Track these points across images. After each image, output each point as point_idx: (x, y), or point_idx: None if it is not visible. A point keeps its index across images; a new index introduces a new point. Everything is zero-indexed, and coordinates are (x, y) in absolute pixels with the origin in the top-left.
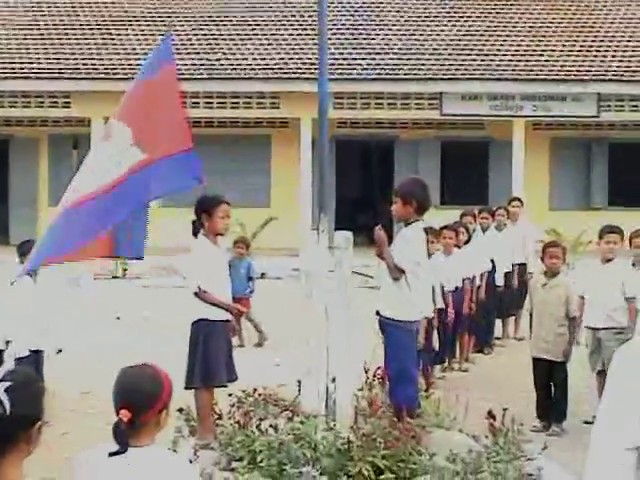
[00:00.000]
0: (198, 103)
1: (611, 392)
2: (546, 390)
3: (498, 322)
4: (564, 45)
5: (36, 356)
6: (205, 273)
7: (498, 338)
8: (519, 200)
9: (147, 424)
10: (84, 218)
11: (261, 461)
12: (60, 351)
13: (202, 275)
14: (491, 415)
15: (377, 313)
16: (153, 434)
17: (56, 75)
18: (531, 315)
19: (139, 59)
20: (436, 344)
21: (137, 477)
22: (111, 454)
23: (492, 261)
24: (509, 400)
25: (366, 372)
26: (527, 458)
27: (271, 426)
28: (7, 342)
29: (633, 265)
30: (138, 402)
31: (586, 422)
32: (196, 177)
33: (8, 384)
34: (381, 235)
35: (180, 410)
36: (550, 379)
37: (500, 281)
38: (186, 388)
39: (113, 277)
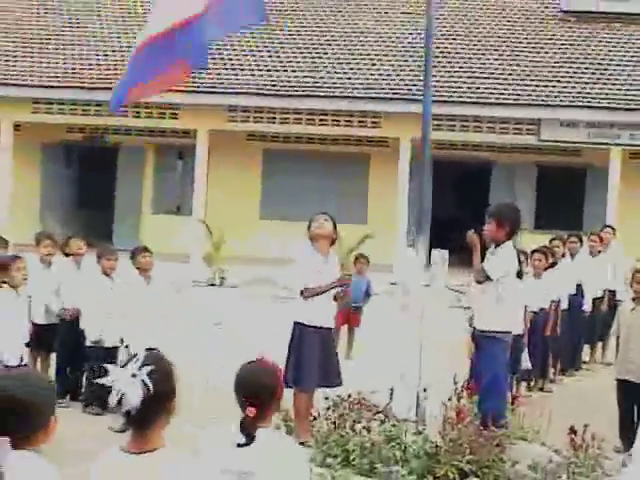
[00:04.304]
0: (300, 119)
1: None
2: (629, 412)
3: (586, 347)
4: None
5: None
6: (307, 273)
7: (585, 362)
8: (611, 227)
9: (270, 413)
10: (157, 53)
11: (354, 459)
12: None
13: (304, 275)
14: (573, 431)
15: (472, 327)
16: (273, 417)
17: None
18: (618, 338)
19: (246, 74)
20: (527, 362)
21: (263, 456)
22: (239, 445)
23: (579, 285)
24: (592, 419)
25: (455, 383)
26: (606, 474)
27: (364, 428)
28: (122, 339)
29: None
30: (262, 399)
31: None
32: (261, 16)
33: (150, 368)
34: (474, 238)
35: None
36: (634, 401)
37: (588, 306)
38: None
39: (211, 284)
